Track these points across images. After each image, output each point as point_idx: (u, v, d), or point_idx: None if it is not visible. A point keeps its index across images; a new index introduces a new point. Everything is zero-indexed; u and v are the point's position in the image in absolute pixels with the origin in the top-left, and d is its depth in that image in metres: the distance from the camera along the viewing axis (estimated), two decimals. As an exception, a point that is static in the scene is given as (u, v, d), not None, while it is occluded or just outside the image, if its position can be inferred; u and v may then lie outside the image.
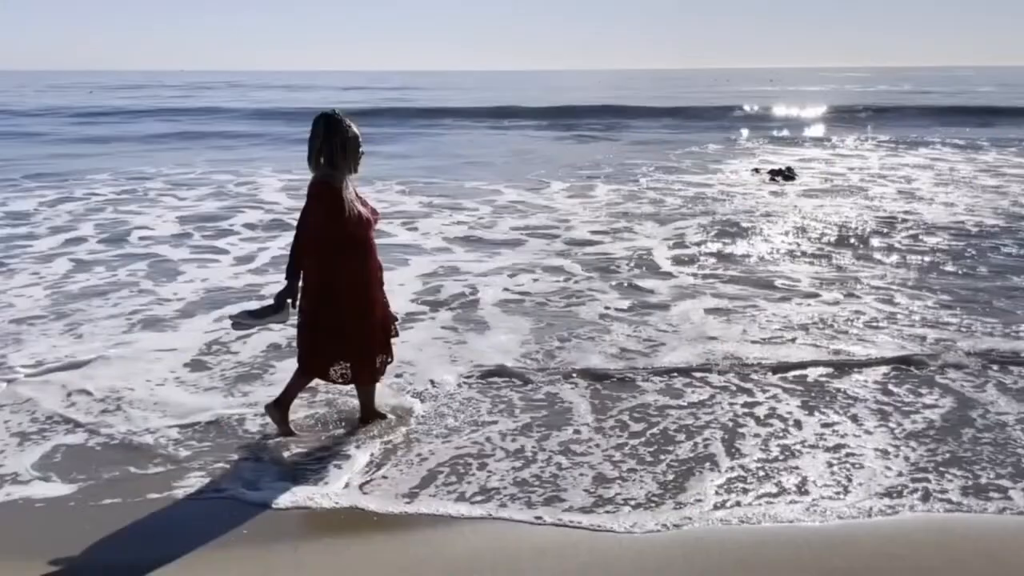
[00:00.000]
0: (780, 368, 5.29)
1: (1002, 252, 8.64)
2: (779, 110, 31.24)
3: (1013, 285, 7.36)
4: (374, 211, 4.14)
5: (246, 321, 4.10)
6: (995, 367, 5.26)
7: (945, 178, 14.55)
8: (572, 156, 18.54)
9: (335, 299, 3.96)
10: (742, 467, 3.92)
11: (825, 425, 4.42)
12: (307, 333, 4.04)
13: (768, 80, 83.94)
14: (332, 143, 3.84)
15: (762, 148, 20.28)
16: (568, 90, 58.64)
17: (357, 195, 4.01)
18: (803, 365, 5.33)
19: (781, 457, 4.04)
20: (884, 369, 5.26)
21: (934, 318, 6.33)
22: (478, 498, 3.65)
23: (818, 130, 25.99)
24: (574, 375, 5.17)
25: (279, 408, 4.19)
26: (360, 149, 3.96)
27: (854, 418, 4.51)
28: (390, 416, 4.45)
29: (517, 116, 29.84)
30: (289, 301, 3.98)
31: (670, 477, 3.84)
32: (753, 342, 5.78)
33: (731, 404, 4.71)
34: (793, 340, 5.81)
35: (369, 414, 4.35)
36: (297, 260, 3.95)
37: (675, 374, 5.20)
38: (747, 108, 31.21)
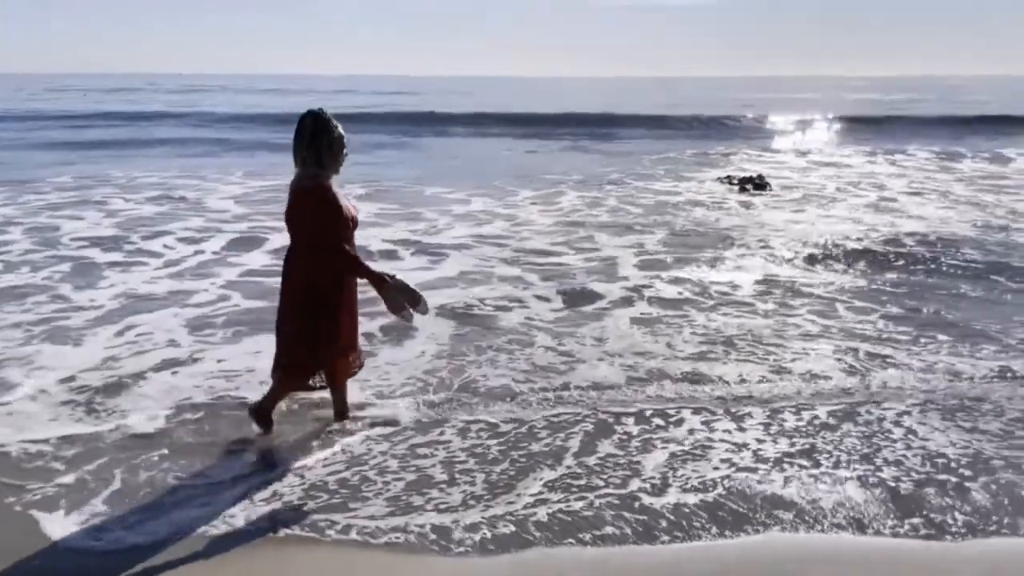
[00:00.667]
0: (694, 383, 5.08)
1: (964, 264, 8.35)
2: (766, 118, 30.94)
3: (962, 295, 7.16)
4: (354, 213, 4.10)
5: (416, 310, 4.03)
6: (924, 394, 4.96)
7: (920, 187, 14.37)
8: (548, 163, 18.30)
9: (320, 302, 3.93)
10: (586, 481, 3.77)
11: (711, 438, 4.24)
12: (293, 342, 4.03)
13: (764, 88, 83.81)
14: (320, 141, 3.80)
15: (740, 156, 20.07)
16: (565, 97, 58.35)
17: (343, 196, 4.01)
18: (721, 380, 5.12)
19: (634, 474, 3.85)
20: (797, 384, 5.04)
21: (874, 332, 6.11)
22: (261, 503, 3.54)
23: (801, 138, 25.82)
24: (471, 390, 4.95)
25: (260, 414, 4.24)
26: (344, 150, 3.94)
27: (741, 430, 4.35)
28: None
29: (505, 123, 29.48)
30: (388, 279, 3.94)
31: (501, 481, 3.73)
32: (677, 357, 5.57)
33: (616, 421, 4.49)
34: (724, 353, 5.63)
35: (343, 409, 4.38)
36: (344, 254, 3.88)
37: (579, 390, 4.97)
38: (734, 116, 30.97)
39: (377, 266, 4.20)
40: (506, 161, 18.99)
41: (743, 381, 5.10)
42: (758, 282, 7.62)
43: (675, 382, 5.11)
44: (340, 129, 3.92)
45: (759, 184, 14.23)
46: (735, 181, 14.69)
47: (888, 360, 5.48)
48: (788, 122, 29.92)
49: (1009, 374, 5.23)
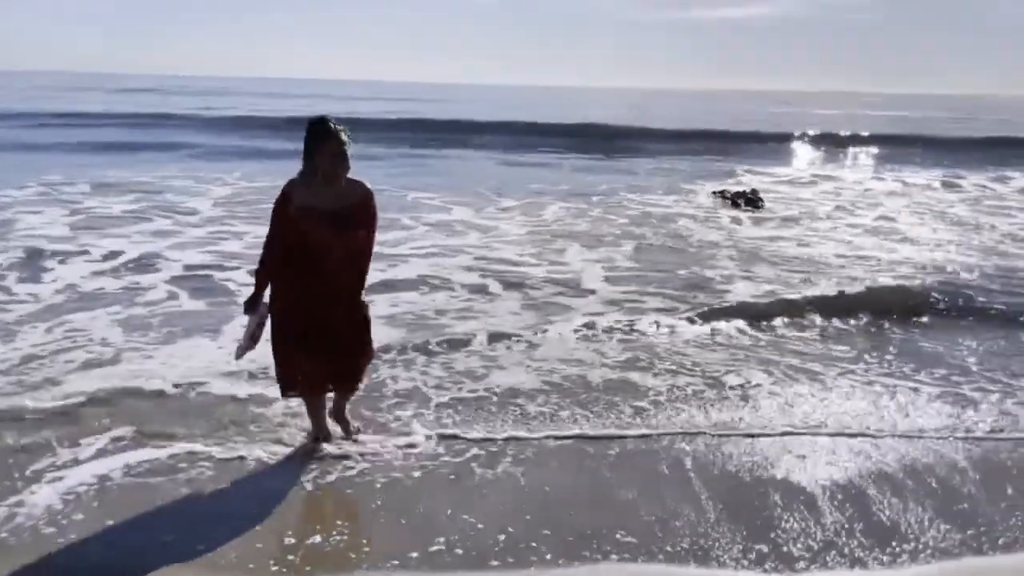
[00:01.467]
0: (605, 393, 5.01)
1: (941, 291, 7.83)
2: (786, 133, 30.17)
3: (924, 322, 6.87)
4: (359, 223, 3.93)
5: (245, 348, 4.08)
6: (821, 422, 4.71)
7: (918, 208, 14.02)
8: (544, 174, 18.13)
9: (294, 311, 3.95)
10: (418, 499, 3.68)
11: (566, 455, 4.19)
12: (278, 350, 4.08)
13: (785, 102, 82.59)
14: (306, 148, 3.83)
15: (745, 171, 19.49)
16: (581, 108, 57.94)
17: (342, 205, 3.88)
18: (625, 393, 5.03)
19: (471, 491, 3.75)
20: (691, 405, 4.90)
21: (805, 350, 5.94)
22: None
23: (813, 154, 25.34)
24: (380, 391, 4.93)
25: (321, 438, 4.22)
26: (332, 155, 3.81)
27: (608, 449, 4.23)
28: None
29: (513, 132, 28.94)
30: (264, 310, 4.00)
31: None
32: (604, 365, 5.56)
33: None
34: (648, 366, 5.55)
35: (342, 425, 4.31)
36: (260, 267, 3.99)
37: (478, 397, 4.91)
38: (752, 131, 30.40)
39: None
40: (501, 170, 18.83)
41: (648, 396, 5.00)
42: (710, 299, 7.41)
43: (588, 392, 5.06)
44: (333, 135, 3.79)
45: (751, 199, 13.99)
46: (728, 195, 14.47)
47: (802, 387, 5.26)
48: (806, 138, 29.31)
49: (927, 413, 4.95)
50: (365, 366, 4.21)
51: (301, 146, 3.86)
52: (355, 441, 4.22)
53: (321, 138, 3.80)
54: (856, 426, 4.60)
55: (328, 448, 4.14)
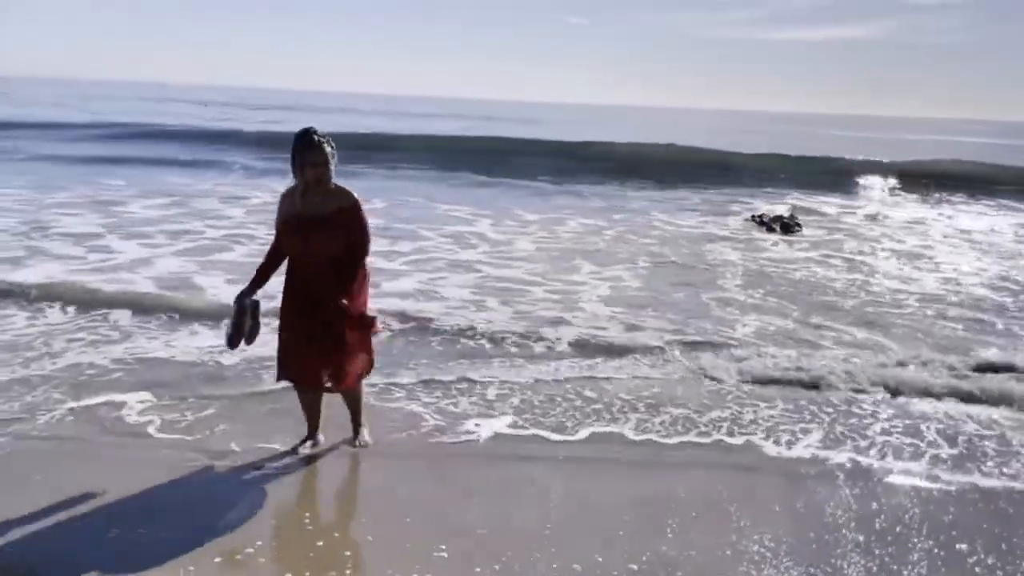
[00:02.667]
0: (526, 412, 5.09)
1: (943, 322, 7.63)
2: (846, 159, 28.99)
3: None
4: (336, 231, 4.06)
5: (232, 338, 4.17)
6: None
7: (965, 237, 13.34)
8: (578, 190, 17.92)
9: (287, 306, 4.22)
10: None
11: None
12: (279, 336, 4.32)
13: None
14: (291, 158, 4.06)
15: (795, 194, 18.80)
16: (649, 128, 57.20)
17: (318, 213, 4.05)
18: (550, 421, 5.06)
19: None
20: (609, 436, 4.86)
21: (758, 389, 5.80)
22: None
23: (873, 181, 24.17)
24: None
25: (308, 434, 4.49)
26: (311, 165, 3.99)
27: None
28: None
29: (554, 153, 27.42)
30: (247, 301, 4.15)
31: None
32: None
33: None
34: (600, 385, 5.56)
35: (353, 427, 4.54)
36: (261, 265, 4.28)
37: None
38: (809, 155, 29.29)
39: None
40: (535, 188, 18.57)
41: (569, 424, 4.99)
42: (690, 333, 7.11)
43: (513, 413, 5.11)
44: (315, 148, 3.97)
45: (787, 224, 13.64)
46: (765, 220, 14.15)
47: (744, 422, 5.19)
48: (871, 164, 28.02)
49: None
50: (352, 366, 4.22)
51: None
52: (357, 445, 4.44)
53: (301, 148, 3.99)
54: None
55: (303, 449, 4.37)
